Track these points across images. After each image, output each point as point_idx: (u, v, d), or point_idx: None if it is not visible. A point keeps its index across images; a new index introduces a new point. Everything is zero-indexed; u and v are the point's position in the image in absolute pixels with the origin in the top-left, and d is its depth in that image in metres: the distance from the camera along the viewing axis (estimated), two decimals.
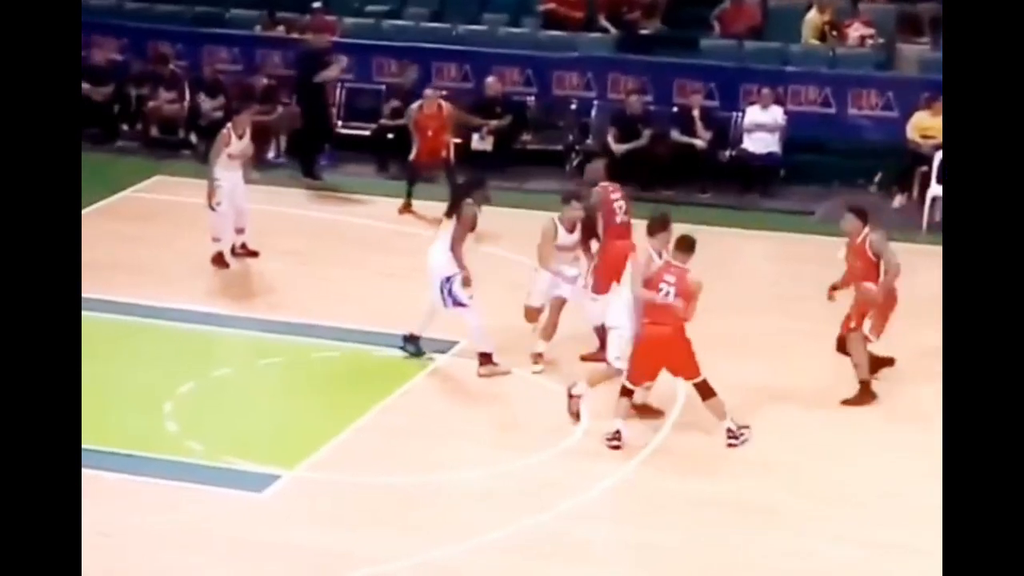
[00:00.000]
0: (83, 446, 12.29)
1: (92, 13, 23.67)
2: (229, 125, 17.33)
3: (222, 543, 11.40)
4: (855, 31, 21.68)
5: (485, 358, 14.28)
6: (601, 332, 13.75)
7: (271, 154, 21.19)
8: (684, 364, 12.81)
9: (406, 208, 19.04)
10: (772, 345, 14.90)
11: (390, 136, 20.89)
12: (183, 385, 13.94)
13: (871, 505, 12.03)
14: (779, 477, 12.49)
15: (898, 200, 19.56)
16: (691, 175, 20.33)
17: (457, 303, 14.13)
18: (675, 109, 20.89)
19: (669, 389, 13.29)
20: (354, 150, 21.41)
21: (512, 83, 21.56)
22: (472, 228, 14.23)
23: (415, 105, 19.45)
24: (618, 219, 14.20)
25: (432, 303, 14.29)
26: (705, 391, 12.82)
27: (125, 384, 13.99)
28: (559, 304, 14.41)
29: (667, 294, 12.66)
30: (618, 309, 13.12)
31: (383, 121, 21.15)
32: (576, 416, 13.22)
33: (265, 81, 21.73)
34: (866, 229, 13.60)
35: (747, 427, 12.90)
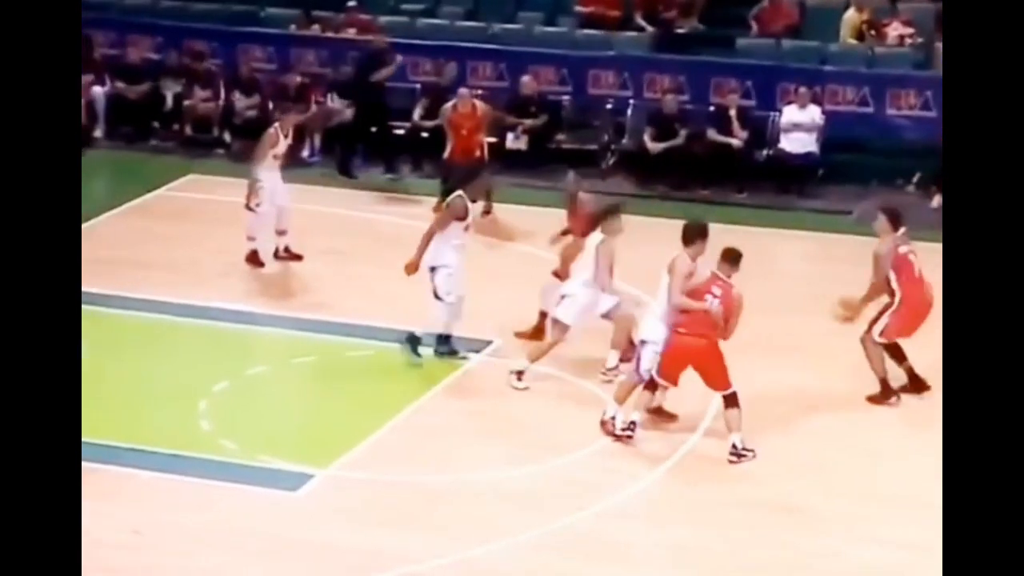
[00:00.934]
0: (118, 444, 12.57)
1: (127, 12, 23.90)
2: (276, 125, 17.22)
3: (255, 541, 11.39)
4: (894, 30, 21.57)
5: (414, 339, 14.29)
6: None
7: (305, 152, 21.18)
8: (717, 376, 12.68)
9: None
10: (808, 345, 14.80)
11: (424, 135, 20.86)
12: (217, 384, 13.94)
13: (907, 507, 11.95)
14: (814, 478, 12.43)
15: (936, 200, 19.39)
16: (727, 175, 20.26)
17: (436, 295, 14.13)
18: (712, 108, 20.81)
19: (704, 395, 13.15)
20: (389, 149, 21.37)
21: (547, 82, 21.47)
22: (460, 219, 14.24)
23: (449, 104, 19.42)
24: None
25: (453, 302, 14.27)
26: (731, 401, 12.70)
27: (159, 382, 14.01)
28: (629, 319, 13.96)
29: (711, 307, 12.54)
30: (651, 323, 13.01)
31: (416, 120, 21.12)
32: (615, 437, 13.00)
33: (299, 79, 21.71)
34: (896, 232, 13.56)
35: (751, 450, 12.70)
